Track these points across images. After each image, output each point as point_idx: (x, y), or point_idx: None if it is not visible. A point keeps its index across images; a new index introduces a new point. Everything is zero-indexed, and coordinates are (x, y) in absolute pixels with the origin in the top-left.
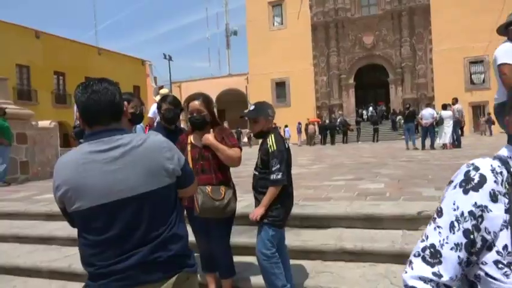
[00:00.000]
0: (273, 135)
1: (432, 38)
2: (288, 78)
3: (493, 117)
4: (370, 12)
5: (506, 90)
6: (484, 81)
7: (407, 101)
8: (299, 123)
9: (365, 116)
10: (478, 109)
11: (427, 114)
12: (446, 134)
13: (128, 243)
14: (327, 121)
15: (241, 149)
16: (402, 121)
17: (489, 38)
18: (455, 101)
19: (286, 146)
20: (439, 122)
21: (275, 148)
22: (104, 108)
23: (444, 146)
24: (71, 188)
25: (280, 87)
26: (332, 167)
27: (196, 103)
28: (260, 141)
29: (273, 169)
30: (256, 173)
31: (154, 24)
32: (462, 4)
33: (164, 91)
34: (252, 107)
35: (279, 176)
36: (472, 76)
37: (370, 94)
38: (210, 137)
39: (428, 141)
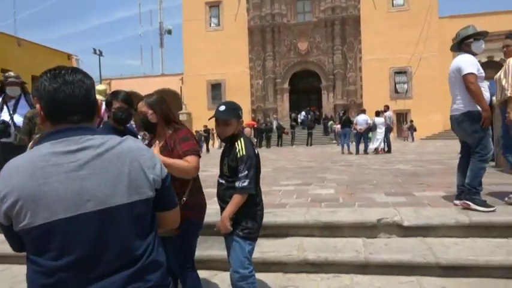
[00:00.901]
0: (242, 139)
1: (362, 48)
2: (223, 80)
3: (415, 124)
4: (305, 19)
5: (472, 99)
6: (407, 90)
7: (339, 107)
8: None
9: (299, 120)
10: (401, 116)
11: (361, 120)
12: (378, 139)
13: (94, 271)
14: (264, 124)
15: (198, 155)
16: (334, 126)
17: (412, 50)
18: (386, 108)
19: (256, 151)
20: (373, 128)
21: (244, 153)
22: (77, 103)
23: (376, 151)
24: (22, 197)
25: (216, 89)
26: (275, 171)
27: (140, 104)
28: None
29: (240, 175)
30: (223, 181)
31: (83, 16)
32: (389, 18)
33: (101, 87)
34: (222, 107)
35: (246, 183)
36: (397, 85)
37: (304, 99)
38: (154, 150)
39: (362, 146)
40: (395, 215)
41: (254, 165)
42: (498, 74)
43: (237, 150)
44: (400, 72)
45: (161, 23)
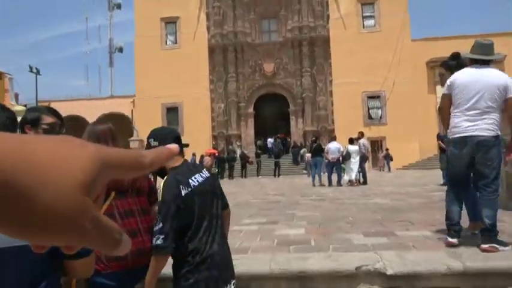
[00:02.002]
0: (166, 178)
1: (332, 70)
2: (181, 104)
3: (391, 152)
4: (270, 38)
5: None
6: (381, 116)
7: (309, 134)
8: (193, 155)
9: (269, 146)
10: (376, 144)
11: (333, 148)
12: (353, 169)
13: None
14: (226, 153)
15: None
16: (307, 154)
17: (385, 74)
18: (361, 135)
19: (187, 190)
20: (346, 156)
21: (160, 198)
22: None
23: (351, 183)
24: None
25: (172, 112)
26: (237, 206)
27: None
28: None
29: (154, 229)
30: None
31: (18, 31)
32: (360, 39)
33: (19, 108)
34: (150, 137)
35: (159, 241)
36: (370, 111)
37: (271, 125)
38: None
39: (334, 177)
40: (377, 261)
41: (172, 214)
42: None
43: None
44: (373, 96)
45: (111, 39)
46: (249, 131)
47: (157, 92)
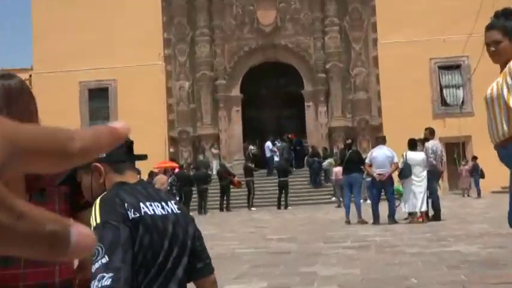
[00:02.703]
0: (103, 195)
1: (377, 22)
2: (113, 83)
3: (481, 164)
4: None
5: None
6: (463, 102)
7: (337, 133)
8: (150, 175)
9: (271, 155)
10: (454, 149)
11: (381, 158)
12: (415, 194)
13: None
14: (193, 168)
15: None
16: (335, 169)
17: (470, 27)
18: (429, 134)
19: (134, 214)
20: (404, 172)
21: (97, 221)
22: None
23: (412, 217)
24: None
25: (99, 99)
26: (217, 261)
27: None
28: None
29: (94, 268)
30: None
31: None
32: None
33: None
34: None
35: (107, 283)
36: (444, 92)
37: (271, 118)
38: None
39: (383, 206)
40: None
41: (122, 242)
42: (492, 89)
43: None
44: (449, 67)
45: None
46: (233, 129)
47: (72, 64)
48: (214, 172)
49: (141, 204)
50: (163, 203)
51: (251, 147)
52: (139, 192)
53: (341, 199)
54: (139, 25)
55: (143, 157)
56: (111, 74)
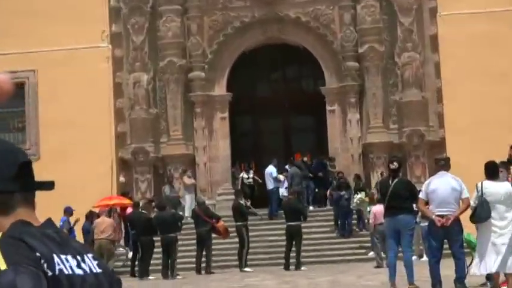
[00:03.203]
0: None
1: None
2: (32, 76)
3: None
4: None
5: None
6: None
7: (377, 151)
8: (68, 211)
9: (271, 189)
10: None
11: (444, 191)
12: (497, 246)
13: None
14: (153, 208)
15: None
16: (373, 208)
17: None
18: None
19: (50, 271)
20: (479, 213)
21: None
22: None
23: (492, 283)
24: None
25: (9, 100)
26: None
27: None
28: None
29: None
30: None
31: None
32: None
33: None
34: None
35: None
36: None
37: (275, 131)
38: None
39: (447, 264)
40: None
41: None
42: None
43: None
44: None
45: None
46: (216, 147)
47: None
48: (188, 213)
49: (55, 258)
50: (78, 258)
51: (244, 174)
52: (51, 239)
53: (382, 254)
54: None
55: (47, 185)
56: (28, 62)
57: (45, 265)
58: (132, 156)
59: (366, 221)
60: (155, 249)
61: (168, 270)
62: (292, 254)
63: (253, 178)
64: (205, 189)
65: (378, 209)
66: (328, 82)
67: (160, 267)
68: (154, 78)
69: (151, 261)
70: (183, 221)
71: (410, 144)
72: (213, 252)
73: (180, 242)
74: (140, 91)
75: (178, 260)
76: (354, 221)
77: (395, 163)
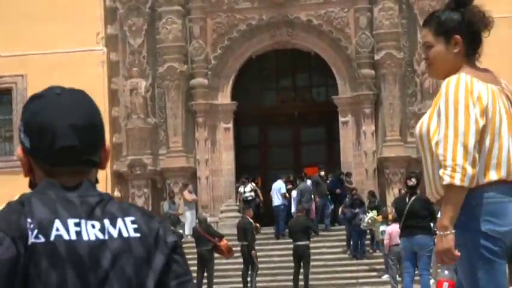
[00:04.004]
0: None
1: None
2: (21, 81)
3: None
4: None
5: None
6: None
7: (394, 166)
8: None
9: (277, 205)
10: None
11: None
12: None
13: None
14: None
15: None
16: (388, 229)
17: None
18: None
19: (39, 238)
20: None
21: None
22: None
23: None
24: None
25: None
26: None
27: None
28: None
29: None
30: None
31: None
32: None
33: None
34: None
35: None
36: None
37: (284, 142)
38: None
39: None
40: None
41: None
42: (423, 123)
43: None
44: None
45: None
46: (219, 160)
47: None
48: (188, 231)
49: (57, 223)
50: (106, 222)
51: (243, 188)
52: (65, 202)
53: (398, 277)
54: None
55: (95, 164)
56: (18, 66)
57: (35, 232)
58: (129, 169)
59: (377, 241)
60: None
61: None
62: (301, 277)
63: (255, 191)
64: (207, 205)
65: (394, 228)
66: (342, 91)
67: None
68: (153, 85)
69: None
70: (183, 240)
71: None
72: (215, 274)
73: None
74: (138, 99)
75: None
76: (367, 241)
77: (413, 179)
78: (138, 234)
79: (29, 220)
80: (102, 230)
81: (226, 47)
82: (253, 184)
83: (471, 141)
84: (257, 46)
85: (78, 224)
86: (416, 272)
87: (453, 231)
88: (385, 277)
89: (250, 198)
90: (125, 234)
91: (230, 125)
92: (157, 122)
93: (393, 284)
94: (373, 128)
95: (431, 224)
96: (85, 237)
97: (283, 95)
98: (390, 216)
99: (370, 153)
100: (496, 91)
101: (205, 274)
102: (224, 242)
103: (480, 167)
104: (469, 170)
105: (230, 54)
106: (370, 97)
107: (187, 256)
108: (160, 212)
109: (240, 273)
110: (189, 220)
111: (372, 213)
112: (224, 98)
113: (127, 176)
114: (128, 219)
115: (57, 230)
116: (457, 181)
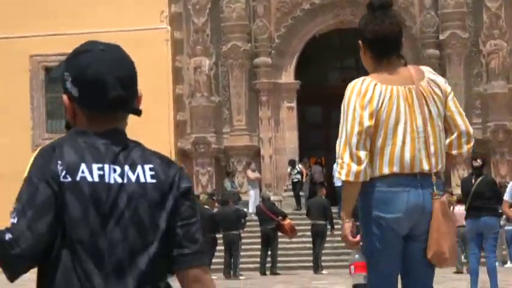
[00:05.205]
0: (40, 148)
1: None
2: None
3: None
4: None
5: None
6: None
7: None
8: None
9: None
10: None
11: None
12: None
13: None
14: (215, 202)
15: None
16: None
17: None
18: None
19: (67, 178)
20: None
21: (25, 174)
22: None
23: None
24: None
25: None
26: None
27: None
28: None
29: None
30: None
31: None
32: None
33: None
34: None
35: (3, 238)
36: None
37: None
38: None
39: None
40: None
41: (39, 204)
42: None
43: None
44: None
45: None
46: (283, 138)
47: (18, 28)
48: (252, 210)
49: (83, 167)
50: (126, 168)
51: (289, 169)
52: (92, 150)
53: (463, 259)
54: None
55: (136, 112)
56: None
57: (64, 172)
58: (193, 146)
59: None
60: (217, 248)
61: (231, 269)
62: None
63: (300, 173)
64: (270, 184)
65: (459, 210)
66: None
67: (222, 266)
68: (217, 63)
69: (213, 260)
70: (246, 218)
71: (495, 140)
72: (279, 252)
73: (243, 240)
74: (201, 77)
75: (241, 260)
76: None
77: (478, 160)
78: (154, 180)
79: (59, 162)
80: (122, 174)
81: (289, 26)
82: (300, 166)
83: (354, 141)
84: (321, 25)
85: (101, 169)
86: (482, 254)
87: (347, 220)
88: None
89: (296, 180)
90: (142, 180)
91: (293, 104)
92: (221, 100)
93: (458, 265)
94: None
95: (498, 206)
96: (106, 180)
97: (346, 74)
98: (454, 197)
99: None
100: (401, 93)
101: (269, 253)
102: (288, 221)
103: (375, 162)
104: (353, 167)
105: (294, 33)
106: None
107: (250, 234)
108: (223, 190)
109: (306, 251)
110: (252, 198)
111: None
112: (287, 77)
113: (191, 153)
114: (147, 167)
115: (83, 172)
116: (343, 176)
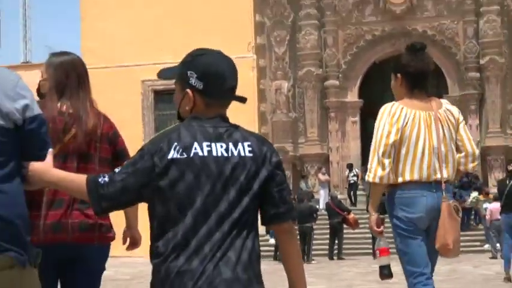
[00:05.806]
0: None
1: None
2: None
3: None
4: None
5: None
6: None
7: (495, 154)
8: None
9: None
10: None
11: None
12: None
13: None
14: (293, 199)
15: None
16: (490, 206)
17: None
18: None
19: (180, 154)
20: None
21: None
22: None
23: None
24: None
25: (169, 104)
26: None
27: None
28: None
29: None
30: None
31: None
32: None
33: None
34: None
35: (98, 180)
36: None
37: None
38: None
39: None
40: None
41: (137, 170)
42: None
43: None
44: None
45: None
46: (348, 147)
47: (130, 57)
48: (322, 206)
49: (195, 145)
50: (230, 144)
51: (353, 171)
52: (203, 131)
53: (498, 246)
54: (222, 5)
55: (242, 99)
56: None
57: (180, 151)
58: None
59: (483, 216)
60: None
61: (305, 255)
62: None
63: (356, 176)
64: (337, 185)
65: (494, 206)
66: (451, 90)
67: None
68: (294, 85)
69: None
70: (318, 213)
71: None
72: (345, 241)
73: (315, 231)
74: (281, 97)
75: (313, 247)
76: (472, 217)
77: None
78: (251, 155)
79: (175, 143)
80: (227, 150)
81: (354, 54)
82: (357, 170)
83: (381, 151)
84: (380, 53)
85: (209, 146)
86: None
87: (374, 214)
88: (486, 246)
89: (352, 181)
90: (242, 154)
91: (357, 119)
92: (297, 116)
93: (493, 252)
94: (478, 121)
95: None
96: (214, 154)
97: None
98: (490, 196)
99: (475, 142)
100: (422, 116)
101: (336, 241)
102: (352, 215)
103: (398, 170)
104: (379, 172)
105: (357, 60)
106: (475, 96)
107: (321, 226)
108: (299, 190)
109: (366, 240)
110: (322, 197)
111: (475, 194)
112: (352, 96)
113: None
114: (246, 144)
115: (195, 149)
116: (370, 179)
